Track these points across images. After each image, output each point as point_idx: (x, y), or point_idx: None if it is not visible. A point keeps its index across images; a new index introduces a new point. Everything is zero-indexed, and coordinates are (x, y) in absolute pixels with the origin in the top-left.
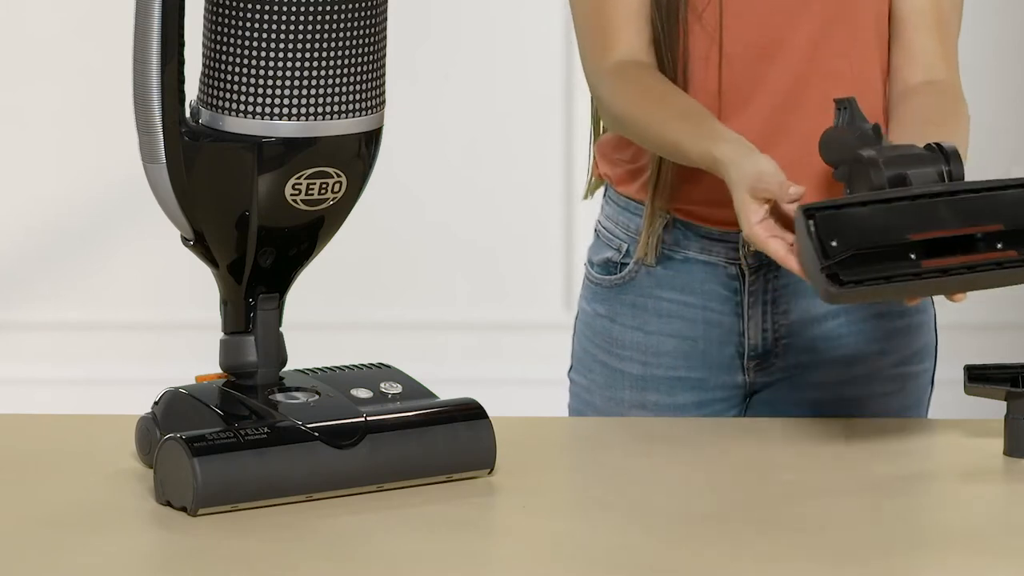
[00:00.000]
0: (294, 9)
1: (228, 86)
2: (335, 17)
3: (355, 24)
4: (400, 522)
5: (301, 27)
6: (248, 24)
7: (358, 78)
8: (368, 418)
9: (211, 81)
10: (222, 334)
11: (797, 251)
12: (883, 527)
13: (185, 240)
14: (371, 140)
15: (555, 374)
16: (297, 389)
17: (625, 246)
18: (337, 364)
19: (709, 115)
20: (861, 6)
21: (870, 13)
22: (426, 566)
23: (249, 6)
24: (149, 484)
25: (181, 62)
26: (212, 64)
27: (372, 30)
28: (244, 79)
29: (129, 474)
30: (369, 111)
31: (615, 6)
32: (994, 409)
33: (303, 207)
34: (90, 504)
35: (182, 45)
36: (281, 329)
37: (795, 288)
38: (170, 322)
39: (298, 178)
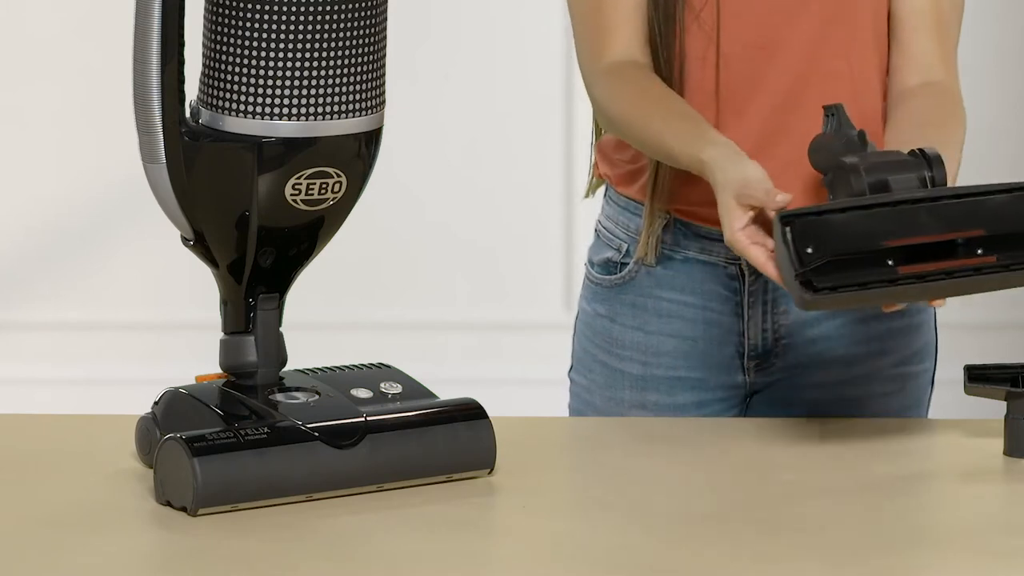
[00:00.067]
0: (294, 9)
1: (228, 86)
2: (335, 17)
3: (355, 24)
4: (400, 522)
5: (301, 27)
6: (248, 24)
7: (358, 78)
8: (368, 418)
9: (211, 81)
10: (222, 334)
11: (775, 258)
12: (883, 527)
13: (185, 240)
14: (371, 140)
15: (555, 374)
16: (297, 389)
17: (625, 246)
18: (337, 364)
19: (700, 118)
20: (859, 6)
21: (868, 13)
22: (426, 566)
23: (249, 6)
24: (149, 484)
25: (181, 62)
26: (212, 64)
27: (372, 30)
28: (244, 79)
29: (129, 474)
30: (369, 111)
31: (612, 6)
32: (994, 409)
33: (303, 207)
34: (90, 504)
35: (182, 45)
36: (281, 329)
37: None
38: (170, 322)
39: (298, 178)
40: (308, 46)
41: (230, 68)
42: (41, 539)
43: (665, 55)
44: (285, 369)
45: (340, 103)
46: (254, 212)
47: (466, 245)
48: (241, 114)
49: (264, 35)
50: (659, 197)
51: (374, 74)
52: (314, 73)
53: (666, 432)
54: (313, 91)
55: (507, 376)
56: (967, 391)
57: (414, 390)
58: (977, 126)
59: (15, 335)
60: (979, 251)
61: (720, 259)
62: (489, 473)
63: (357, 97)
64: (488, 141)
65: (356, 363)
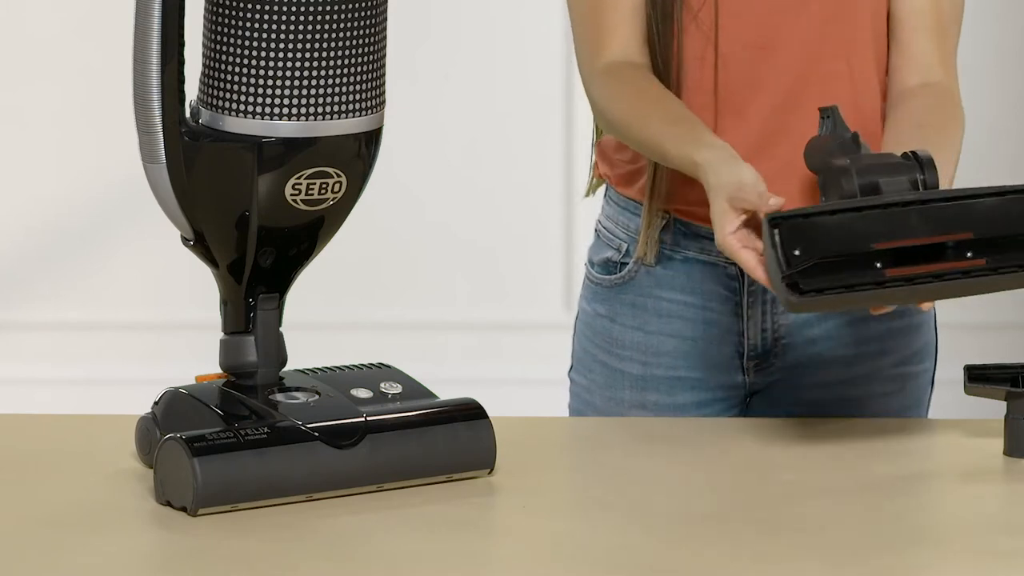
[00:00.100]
0: (294, 9)
1: (228, 86)
2: (335, 17)
3: (355, 24)
4: (400, 522)
5: (301, 27)
6: (248, 24)
7: (358, 78)
8: (368, 418)
9: (211, 81)
10: (222, 334)
11: (764, 260)
12: (883, 527)
13: (185, 240)
14: (371, 140)
15: (555, 374)
16: (297, 389)
17: (625, 246)
18: (337, 364)
19: (695, 120)
20: (858, 6)
21: (867, 13)
22: (426, 566)
23: (249, 6)
24: (149, 484)
25: (181, 62)
26: (212, 64)
27: (372, 30)
28: (244, 79)
29: (129, 474)
30: (369, 111)
31: (610, 7)
32: (994, 409)
33: (303, 207)
34: (90, 504)
35: (182, 45)
36: (281, 329)
37: None
38: (170, 322)
39: (298, 178)
40: (308, 46)
41: (230, 68)
42: (41, 539)
43: (663, 55)
44: (285, 369)
45: (340, 103)
46: (254, 212)
47: (466, 245)
48: (241, 114)
49: (264, 35)
50: (658, 197)
51: (374, 74)
52: (314, 73)
53: (666, 432)
54: (313, 91)
55: (507, 376)
56: (967, 391)
57: (414, 390)
58: (977, 126)
59: (15, 335)
60: (969, 254)
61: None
62: (489, 473)
63: (357, 97)
64: (488, 141)
65: (356, 363)
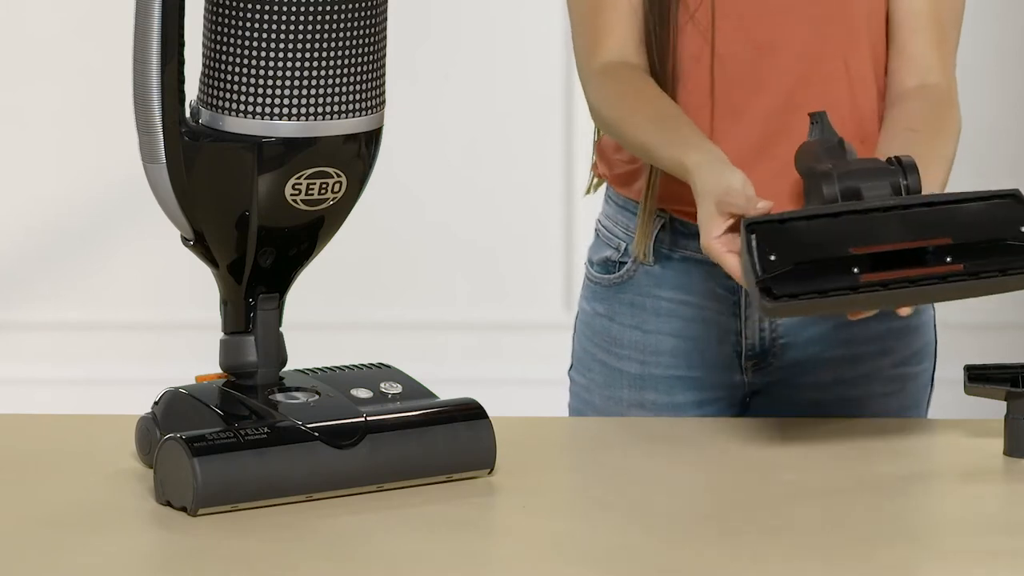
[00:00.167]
0: (294, 9)
1: (228, 86)
2: (335, 17)
3: (355, 24)
4: (400, 522)
5: (301, 27)
6: (248, 24)
7: (358, 78)
8: (368, 418)
9: (211, 81)
10: (222, 334)
11: (742, 265)
12: (883, 527)
13: (185, 240)
14: (371, 140)
15: (555, 374)
16: (297, 389)
17: (624, 245)
18: (337, 364)
19: (687, 122)
20: (855, 7)
21: (863, 13)
22: (426, 566)
23: (249, 6)
24: (149, 484)
25: (181, 62)
26: (212, 64)
27: (372, 30)
28: (244, 79)
29: (129, 474)
30: (369, 111)
31: (608, 7)
32: (994, 409)
33: (303, 207)
34: (90, 504)
35: (182, 45)
36: (281, 329)
37: None
38: (170, 322)
39: (298, 178)
40: (308, 46)
41: (230, 68)
42: (41, 539)
43: (660, 55)
44: (285, 369)
45: (340, 103)
46: (254, 212)
47: (466, 245)
48: (241, 114)
49: (264, 35)
50: (655, 197)
51: (374, 74)
52: (314, 73)
53: (666, 432)
54: (313, 91)
55: (507, 376)
56: (967, 391)
57: (414, 390)
58: (977, 126)
59: (15, 335)
60: (948, 259)
61: None
62: (489, 473)
63: (357, 97)
64: (488, 141)
65: (356, 363)
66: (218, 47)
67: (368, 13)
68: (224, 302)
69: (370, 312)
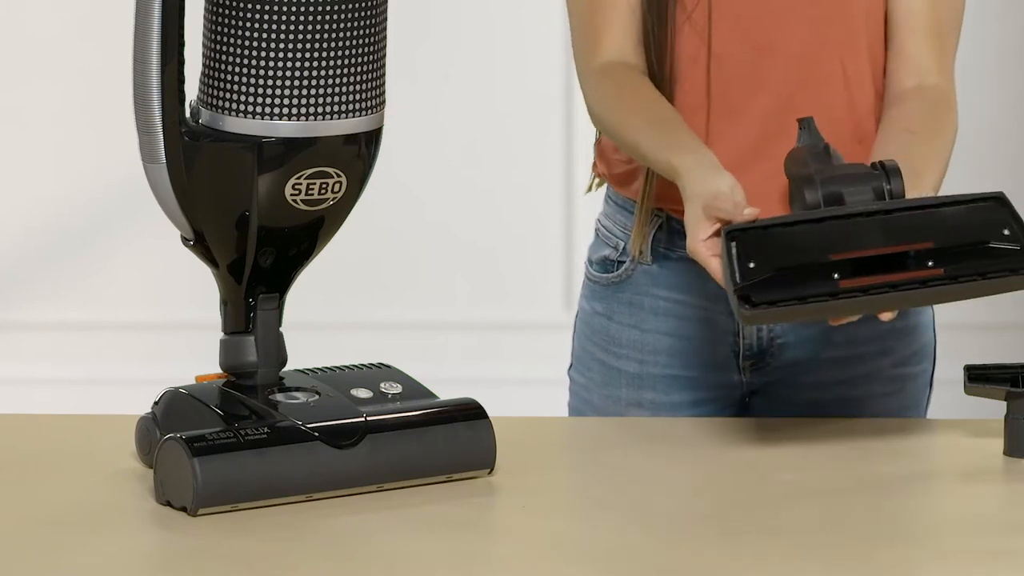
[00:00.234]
0: (294, 9)
1: (228, 86)
2: (335, 17)
3: (355, 24)
4: (400, 522)
5: (301, 27)
6: (248, 24)
7: (358, 78)
8: (368, 418)
9: (211, 81)
10: (222, 334)
11: (723, 271)
12: (883, 527)
13: (185, 240)
14: (371, 140)
15: (555, 374)
16: (297, 389)
17: (622, 244)
18: (337, 364)
19: (680, 123)
20: (852, 7)
21: (861, 14)
22: (426, 566)
23: (249, 6)
24: (149, 484)
25: (181, 62)
26: (212, 64)
27: (372, 30)
28: (244, 79)
29: (129, 474)
30: (369, 111)
31: (606, 7)
32: (994, 409)
33: (303, 207)
34: (90, 504)
35: (182, 45)
36: (281, 329)
37: None
38: (170, 322)
39: (298, 178)
40: (308, 46)
41: (230, 68)
42: (41, 539)
43: (657, 56)
44: (285, 369)
45: (340, 103)
46: (254, 212)
47: (466, 245)
48: (241, 114)
49: (264, 35)
50: (653, 197)
51: (374, 74)
52: (314, 73)
53: (666, 432)
54: (313, 91)
55: (507, 376)
56: (967, 391)
57: (414, 390)
58: (977, 126)
59: (15, 335)
60: (929, 263)
61: None
62: (489, 473)
63: (357, 97)
64: (488, 141)
65: (356, 363)
66: (218, 47)
67: (368, 13)
68: (224, 302)
69: (370, 312)
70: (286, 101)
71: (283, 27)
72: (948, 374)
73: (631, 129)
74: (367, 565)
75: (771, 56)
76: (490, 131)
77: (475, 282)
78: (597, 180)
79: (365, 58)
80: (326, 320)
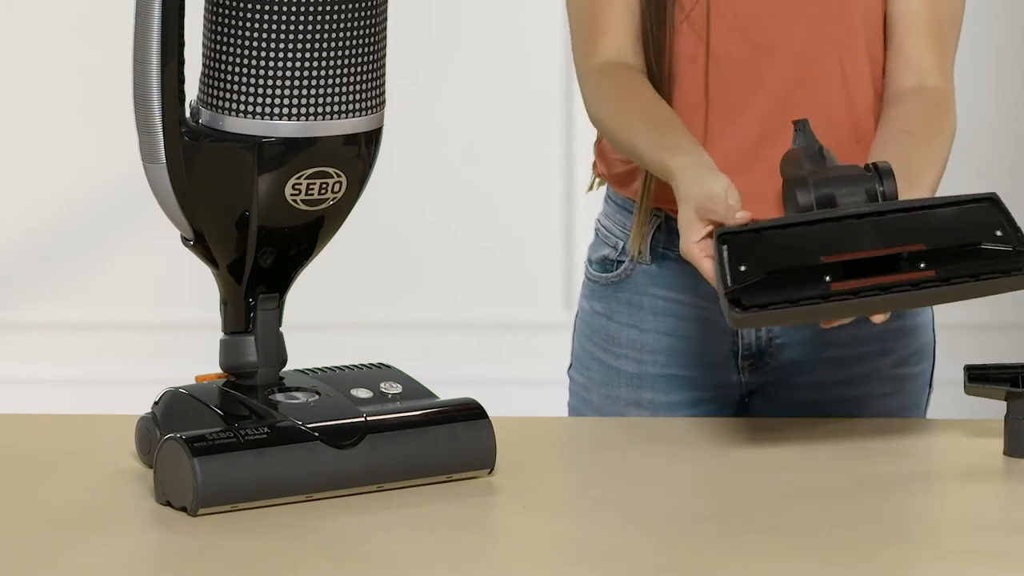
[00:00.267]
0: (294, 9)
1: (228, 86)
2: (335, 17)
3: (355, 24)
4: (400, 522)
5: (301, 27)
6: (248, 24)
7: (358, 78)
8: (368, 418)
9: (211, 81)
10: (222, 334)
11: (715, 273)
12: (883, 527)
13: (185, 240)
14: (371, 140)
15: (555, 374)
16: (297, 389)
17: (621, 244)
18: (337, 364)
19: (676, 124)
20: (851, 7)
21: (859, 14)
22: (426, 566)
23: (249, 6)
24: (149, 484)
25: (181, 62)
26: (212, 64)
27: (372, 30)
28: (244, 79)
29: (129, 474)
30: (369, 111)
31: (605, 7)
32: (994, 409)
33: (303, 207)
34: (90, 504)
35: (182, 45)
36: (281, 329)
37: None
38: (170, 322)
39: (298, 178)
40: (308, 46)
41: (230, 68)
42: (41, 539)
43: (656, 55)
44: (285, 369)
45: (340, 103)
46: (254, 212)
47: (466, 245)
48: (241, 114)
49: (264, 35)
50: (652, 197)
51: (374, 74)
52: (314, 73)
53: (666, 432)
54: (313, 91)
55: (507, 376)
56: (967, 391)
57: (414, 390)
58: (977, 126)
59: (15, 335)
60: (922, 265)
61: None
62: (489, 473)
63: (357, 97)
64: (488, 141)
65: (356, 363)
66: (218, 47)
67: (368, 13)
68: (224, 302)
69: (370, 312)
70: (286, 101)
71: (283, 27)
72: (948, 374)
73: (628, 129)
74: (367, 565)
75: (769, 55)
76: (490, 131)
77: (475, 282)
78: (598, 180)
79: (365, 58)
80: (326, 320)
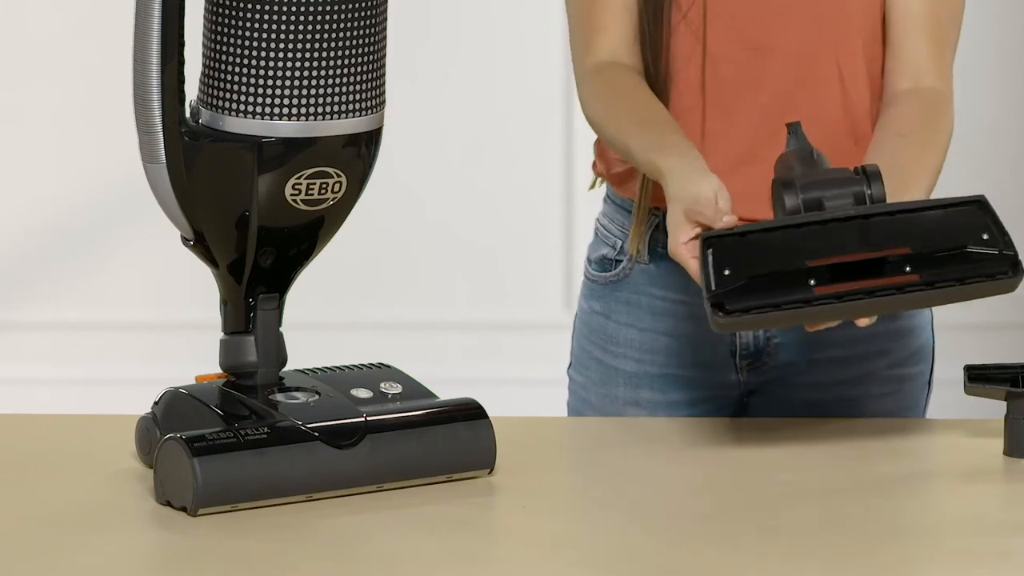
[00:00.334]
0: (294, 9)
1: (228, 86)
2: (335, 17)
3: (355, 24)
4: (400, 522)
5: (301, 27)
6: (248, 24)
7: (358, 78)
8: (368, 418)
9: (211, 81)
10: (222, 334)
11: (700, 276)
12: (883, 527)
13: (185, 240)
14: (371, 140)
15: (555, 374)
16: (297, 389)
17: (620, 243)
18: (337, 364)
19: (669, 124)
20: (849, 8)
21: (857, 15)
22: (426, 566)
23: (249, 6)
24: (149, 484)
25: (181, 62)
26: (212, 64)
27: (372, 30)
28: (244, 79)
29: (129, 474)
30: (369, 111)
31: (601, 7)
32: (994, 409)
33: (303, 207)
34: (90, 504)
35: (182, 45)
36: (281, 329)
37: None
38: (170, 322)
39: (298, 178)
40: (308, 46)
41: (230, 68)
42: (41, 539)
43: (653, 55)
44: (285, 369)
45: (340, 103)
46: (254, 212)
47: (466, 245)
48: (241, 114)
49: (264, 35)
50: (650, 196)
51: (374, 74)
52: (314, 73)
53: (666, 432)
54: (313, 91)
55: (507, 376)
56: (967, 391)
57: (414, 390)
58: (977, 126)
59: (15, 335)
60: (907, 269)
61: None
62: (489, 473)
63: (357, 97)
64: (488, 141)
65: (356, 363)
66: (218, 47)
67: (368, 13)
68: (224, 302)
69: (370, 312)
70: (286, 101)
71: (283, 27)
72: (948, 374)
73: (622, 129)
74: (367, 565)
75: (766, 56)
76: (490, 131)
77: (475, 282)
78: (600, 179)
79: (365, 58)
80: (326, 320)
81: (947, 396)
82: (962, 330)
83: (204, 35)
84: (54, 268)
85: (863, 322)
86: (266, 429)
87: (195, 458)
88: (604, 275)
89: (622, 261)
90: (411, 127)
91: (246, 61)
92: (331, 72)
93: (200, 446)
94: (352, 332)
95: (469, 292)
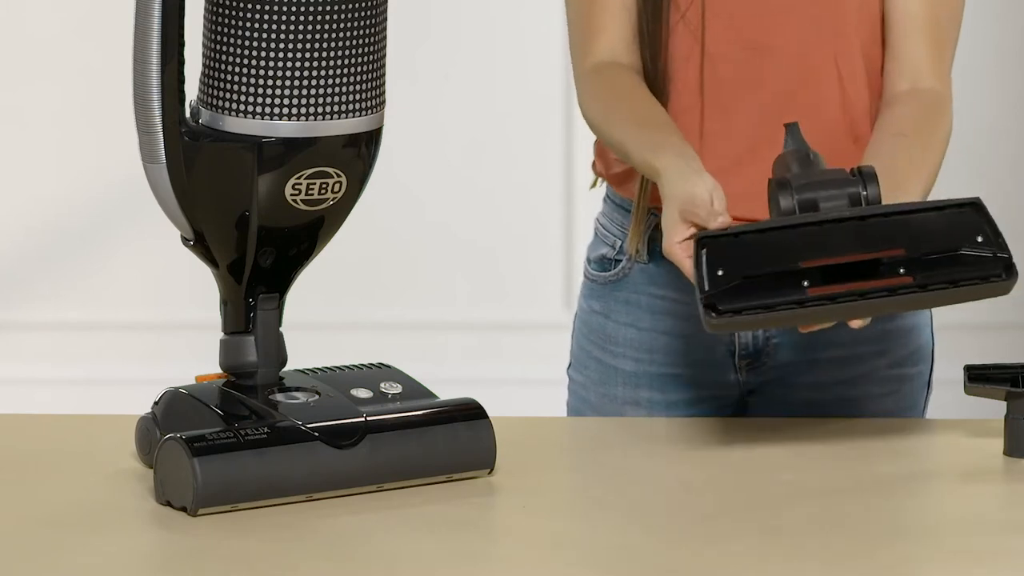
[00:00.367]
0: (294, 9)
1: (228, 86)
2: (335, 17)
3: (355, 24)
4: (400, 522)
5: (301, 27)
6: (248, 24)
7: (358, 78)
8: (368, 418)
9: (211, 81)
10: (222, 334)
11: (694, 277)
12: (883, 527)
13: (185, 240)
14: (371, 140)
15: (555, 374)
16: (297, 389)
17: (619, 243)
18: (337, 364)
19: (666, 124)
20: (846, 8)
21: (854, 15)
22: (426, 566)
23: (249, 6)
24: (149, 484)
25: (181, 62)
26: (212, 64)
27: (372, 30)
28: (244, 79)
29: (129, 474)
30: (369, 111)
31: (600, 7)
32: (994, 409)
33: (303, 207)
34: (90, 504)
35: (182, 45)
36: (281, 329)
37: None
38: (170, 322)
39: (298, 178)
40: (308, 46)
41: (230, 68)
42: (41, 539)
43: (651, 54)
44: (285, 369)
45: (340, 103)
46: (254, 212)
47: (466, 245)
48: (241, 114)
49: (264, 35)
50: (649, 196)
51: (374, 74)
52: (314, 73)
53: (666, 432)
54: (313, 91)
55: (507, 376)
56: (967, 391)
57: (414, 390)
58: (977, 126)
59: (15, 335)
60: (901, 270)
61: None
62: (489, 473)
63: (357, 97)
64: (488, 141)
65: (356, 363)
66: (218, 47)
67: (368, 13)
68: (224, 302)
69: (370, 312)
70: (286, 101)
71: (283, 27)
72: (948, 374)
73: (618, 129)
74: (367, 565)
75: (765, 56)
76: (490, 131)
77: (475, 282)
78: (599, 179)
79: (365, 58)
80: (326, 320)
81: (947, 396)
82: (962, 330)
83: (204, 35)
84: (54, 268)
85: (856, 324)
86: (266, 429)
87: (195, 458)
88: (603, 275)
89: (621, 261)
90: (411, 127)
91: (246, 61)
92: (331, 72)
93: (200, 446)
94: (352, 332)
95: (469, 292)
